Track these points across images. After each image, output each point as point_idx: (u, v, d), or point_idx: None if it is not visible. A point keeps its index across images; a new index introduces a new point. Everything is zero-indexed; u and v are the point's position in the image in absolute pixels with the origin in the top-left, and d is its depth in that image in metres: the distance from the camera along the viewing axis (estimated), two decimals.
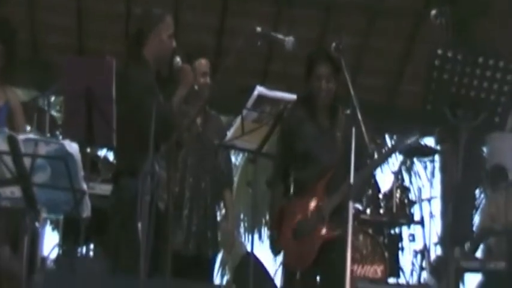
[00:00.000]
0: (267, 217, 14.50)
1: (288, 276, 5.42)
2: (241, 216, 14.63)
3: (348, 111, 5.03)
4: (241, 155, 13.69)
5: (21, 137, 4.14)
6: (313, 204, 5.21)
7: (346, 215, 5.03)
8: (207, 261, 5.71)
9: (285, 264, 5.45)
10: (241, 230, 14.90)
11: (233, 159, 13.74)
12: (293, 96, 4.95)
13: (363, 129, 4.82)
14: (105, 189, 6.14)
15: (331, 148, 5.22)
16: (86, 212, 4.25)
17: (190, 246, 5.54)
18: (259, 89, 4.86)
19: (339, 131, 5.23)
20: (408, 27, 9.04)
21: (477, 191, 10.96)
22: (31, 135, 4.27)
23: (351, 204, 4.85)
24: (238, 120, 4.95)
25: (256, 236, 15.24)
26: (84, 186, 4.20)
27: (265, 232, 15.16)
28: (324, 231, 5.13)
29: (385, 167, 13.12)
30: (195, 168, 5.64)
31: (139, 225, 4.52)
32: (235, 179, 13.64)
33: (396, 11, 8.93)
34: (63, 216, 4.45)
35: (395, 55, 9.33)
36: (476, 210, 9.55)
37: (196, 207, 5.62)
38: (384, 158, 5.34)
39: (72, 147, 4.12)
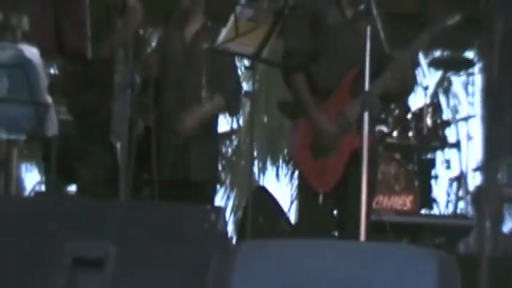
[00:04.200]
0: (285, 152, 14.57)
1: (308, 200, 5.24)
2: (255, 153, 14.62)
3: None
4: None
5: None
6: (335, 110, 5.04)
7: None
8: (199, 186, 5.57)
9: (305, 188, 5.26)
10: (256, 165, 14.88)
11: None
12: None
13: (379, 26, 4.69)
14: None
15: (354, 43, 4.96)
16: (52, 129, 4.16)
17: (179, 169, 5.46)
18: None
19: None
20: None
21: None
22: None
23: (366, 116, 4.73)
24: (232, 19, 4.80)
25: (272, 171, 15.36)
26: (48, 98, 4.09)
27: (283, 169, 15.18)
28: (351, 141, 4.94)
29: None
30: (179, 87, 5.55)
31: (118, 144, 4.45)
32: None
33: None
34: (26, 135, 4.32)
35: None
36: None
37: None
38: (419, 44, 5.09)
39: (32, 52, 4.01)
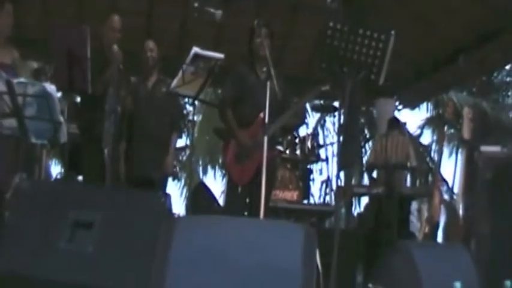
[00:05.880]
0: (220, 160, 14.59)
1: (231, 190, 5.18)
2: (200, 160, 14.59)
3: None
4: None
5: (15, 80, 3.99)
6: (252, 135, 5.01)
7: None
8: (154, 183, 5.43)
9: (229, 181, 5.21)
10: (200, 168, 14.83)
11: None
12: (221, 55, 4.79)
13: (274, 81, 4.73)
14: None
15: (264, 95, 4.90)
16: (63, 138, 4.12)
17: (139, 170, 5.37)
18: (195, 49, 4.70)
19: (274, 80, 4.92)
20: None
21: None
22: (22, 79, 4.09)
23: (265, 139, 4.76)
24: (180, 73, 4.79)
25: (211, 172, 15.39)
26: (61, 118, 4.06)
27: (218, 171, 15.18)
28: (261, 154, 4.83)
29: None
30: (144, 117, 5.45)
31: (105, 150, 4.41)
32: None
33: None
34: (47, 141, 4.27)
35: (311, 38, 9.11)
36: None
37: (145, 146, 5.43)
38: (304, 100, 5.13)
39: (52, 88, 3.98)
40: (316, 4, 7.89)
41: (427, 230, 5.79)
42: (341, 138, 5.06)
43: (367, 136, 13.45)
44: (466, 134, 5.57)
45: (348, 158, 6.81)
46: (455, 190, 6.12)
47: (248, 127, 5.06)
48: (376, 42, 4.28)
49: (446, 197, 6.98)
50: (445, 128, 11.45)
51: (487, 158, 5.72)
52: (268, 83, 4.78)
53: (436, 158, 14.53)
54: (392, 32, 4.27)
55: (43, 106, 3.95)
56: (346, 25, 4.28)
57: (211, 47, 4.99)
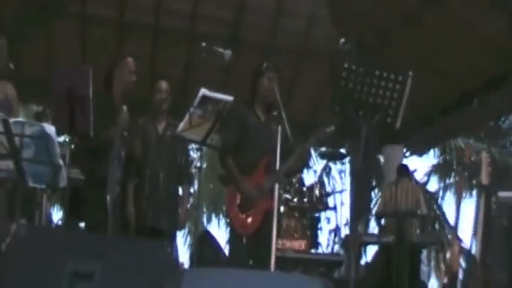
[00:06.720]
0: (224, 208, 14.32)
1: (236, 241, 4.87)
2: (204, 208, 14.33)
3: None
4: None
5: (12, 120, 3.76)
6: (255, 182, 4.73)
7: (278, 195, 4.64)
8: (163, 233, 5.13)
9: (234, 232, 4.90)
10: (204, 216, 14.57)
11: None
12: (230, 98, 4.55)
13: (286, 125, 4.50)
14: None
15: (266, 137, 4.75)
16: (63, 182, 3.86)
17: (147, 219, 5.08)
18: (203, 91, 4.45)
19: (276, 124, 4.70)
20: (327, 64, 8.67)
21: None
22: (19, 119, 3.86)
23: (277, 187, 4.50)
24: (187, 116, 4.54)
25: (215, 220, 15.15)
26: (60, 161, 3.81)
27: (222, 219, 14.90)
28: (265, 203, 4.63)
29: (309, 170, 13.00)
30: (153, 163, 5.20)
31: (108, 197, 4.14)
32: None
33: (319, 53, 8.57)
34: (45, 185, 4.01)
35: (318, 84, 8.97)
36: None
37: (155, 193, 5.16)
38: (310, 143, 4.87)
39: (51, 129, 3.75)
40: (328, 47, 7.74)
41: (445, 280, 5.51)
42: (355, 186, 4.78)
43: (373, 184, 13.19)
44: (485, 179, 5.35)
45: (361, 208, 6.58)
46: (474, 237, 5.88)
47: (251, 173, 4.80)
48: (393, 84, 4.08)
49: (465, 246, 6.76)
50: (465, 174, 11.23)
51: (503, 204, 5.50)
52: (279, 128, 4.56)
53: (441, 204, 14.33)
54: (410, 73, 4.06)
55: (42, 148, 3.72)
56: (362, 66, 4.08)
57: (216, 90, 4.75)
